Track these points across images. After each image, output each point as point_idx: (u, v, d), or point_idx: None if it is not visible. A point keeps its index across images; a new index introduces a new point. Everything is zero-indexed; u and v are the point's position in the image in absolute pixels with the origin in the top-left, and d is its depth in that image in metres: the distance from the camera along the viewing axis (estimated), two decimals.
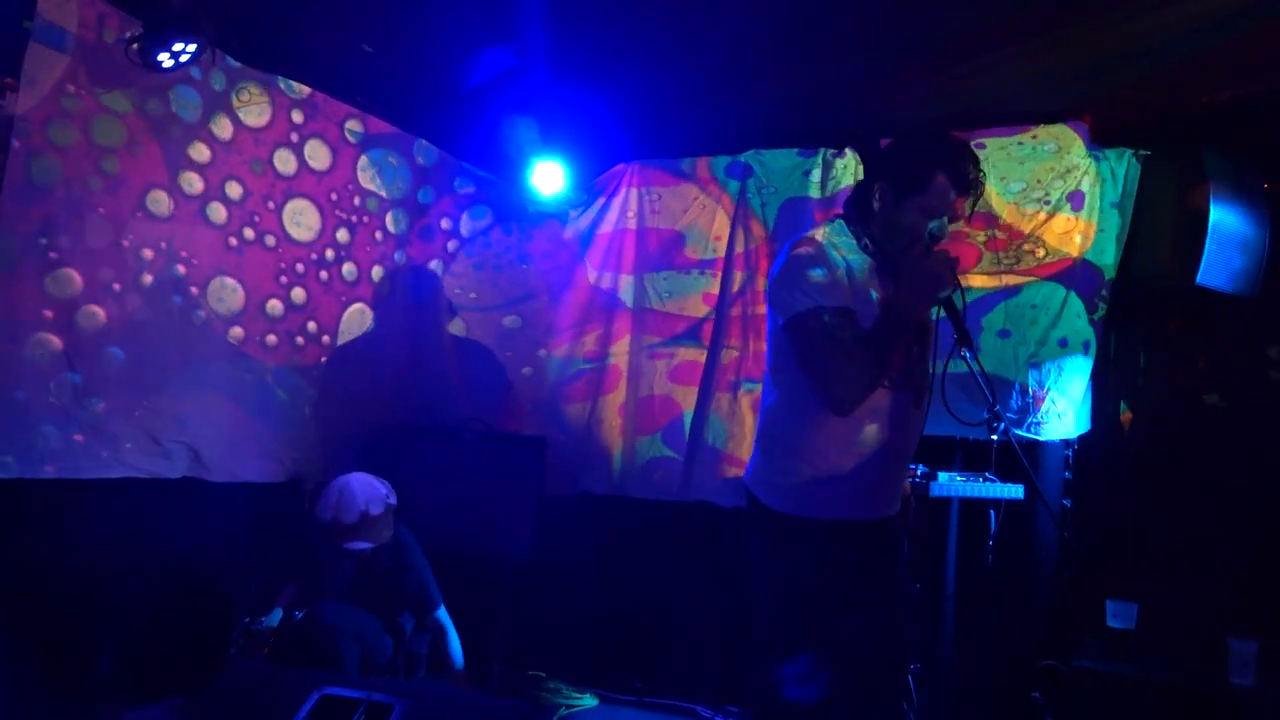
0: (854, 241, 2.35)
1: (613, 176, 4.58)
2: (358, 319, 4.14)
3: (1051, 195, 3.83)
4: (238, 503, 3.74)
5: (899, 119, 3.99)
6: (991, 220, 3.90)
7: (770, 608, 2.36)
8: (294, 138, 3.88)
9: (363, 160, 4.14)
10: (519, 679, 4.00)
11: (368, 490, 3.35)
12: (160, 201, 3.45)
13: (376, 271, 4.22)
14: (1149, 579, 3.66)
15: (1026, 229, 3.86)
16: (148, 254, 3.43)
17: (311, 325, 3.98)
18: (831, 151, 4.16)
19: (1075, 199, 3.80)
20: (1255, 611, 3.51)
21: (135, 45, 3.23)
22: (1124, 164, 3.75)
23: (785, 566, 2.34)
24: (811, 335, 2.20)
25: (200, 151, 3.57)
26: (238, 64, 3.64)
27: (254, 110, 3.71)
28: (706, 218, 4.42)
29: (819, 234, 2.35)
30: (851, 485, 2.31)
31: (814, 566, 2.29)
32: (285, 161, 3.85)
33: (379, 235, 4.23)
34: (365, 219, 4.17)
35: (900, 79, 3.68)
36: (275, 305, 3.84)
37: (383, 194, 4.24)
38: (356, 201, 4.14)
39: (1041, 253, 3.85)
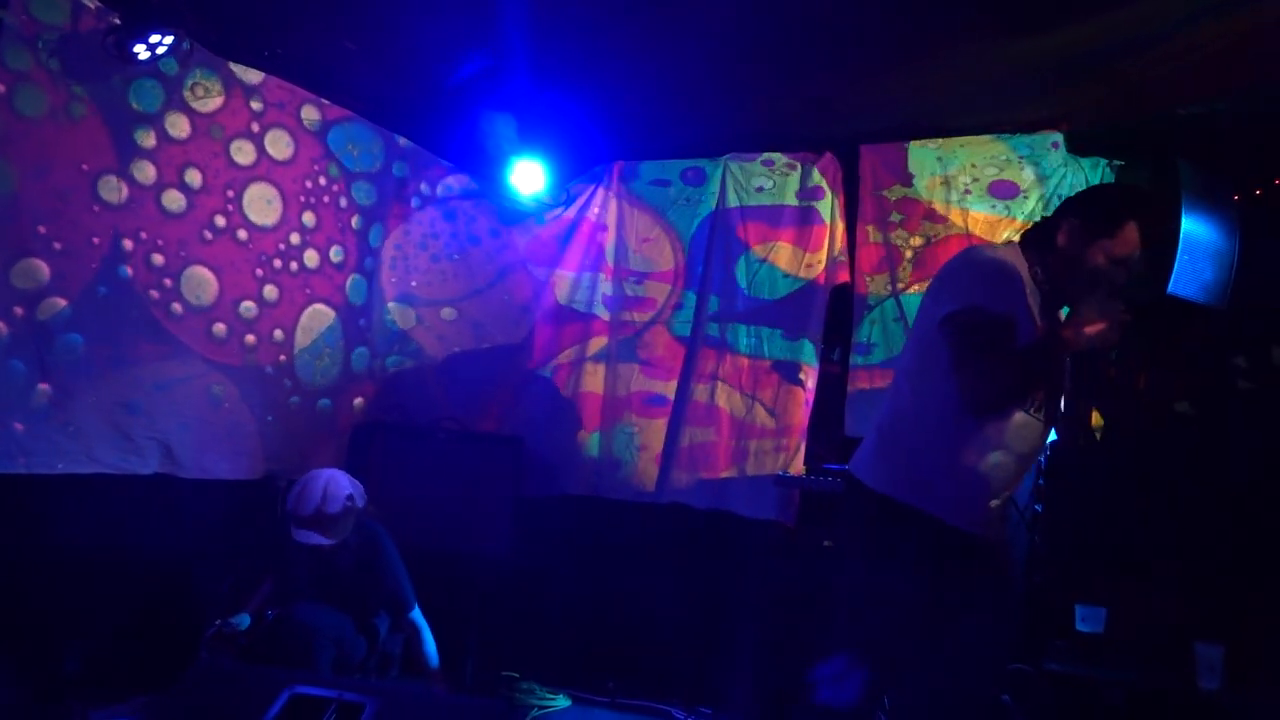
0: (1027, 268, 2.35)
1: (592, 178, 4.59)
2: (317, 318, 4.10)
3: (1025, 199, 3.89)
4: (209, 500, 3.72)
5: (875, 125, 4.03)
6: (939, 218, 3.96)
7: (855, 594, 2.39)
8: (254, 126, 3.83)
9: (332, 134, 4.10)
10: (493, 679, 3.99)
11: (332, 487, 3.33)
12: (112, 188, 3.40)
13: (335, 253, 4.15)
14: (1117, 584, 3.69)
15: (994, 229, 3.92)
16: (128, 244, 3.41)
17: (278, 332, 3.95)
18: (811, 157, 4.20)
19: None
20: (1222, 616, 3.54)
21: (112, 37, 3.20)
22: (1098, 174, 3.80)
23: (881, 550, 2.33)
24: (975, 330, 2.20)
25: (166, 134, 3.53)
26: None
27: (210, 100, 3.66)
28: (687, 217, 4.45)
29: (1004, 250, 2.39)
30: (964, 491, 2.31)
31: (910, 555, 2.28)
32: (244, 151, 3.79)
33: (344, 204, 4.18)
34: (330, 195, 4.11)
35: (875, 86, 3.71)
36: (249, 306, 3.81)
37: (351, 168, 4.21)
38: (322, 182, 4.09)
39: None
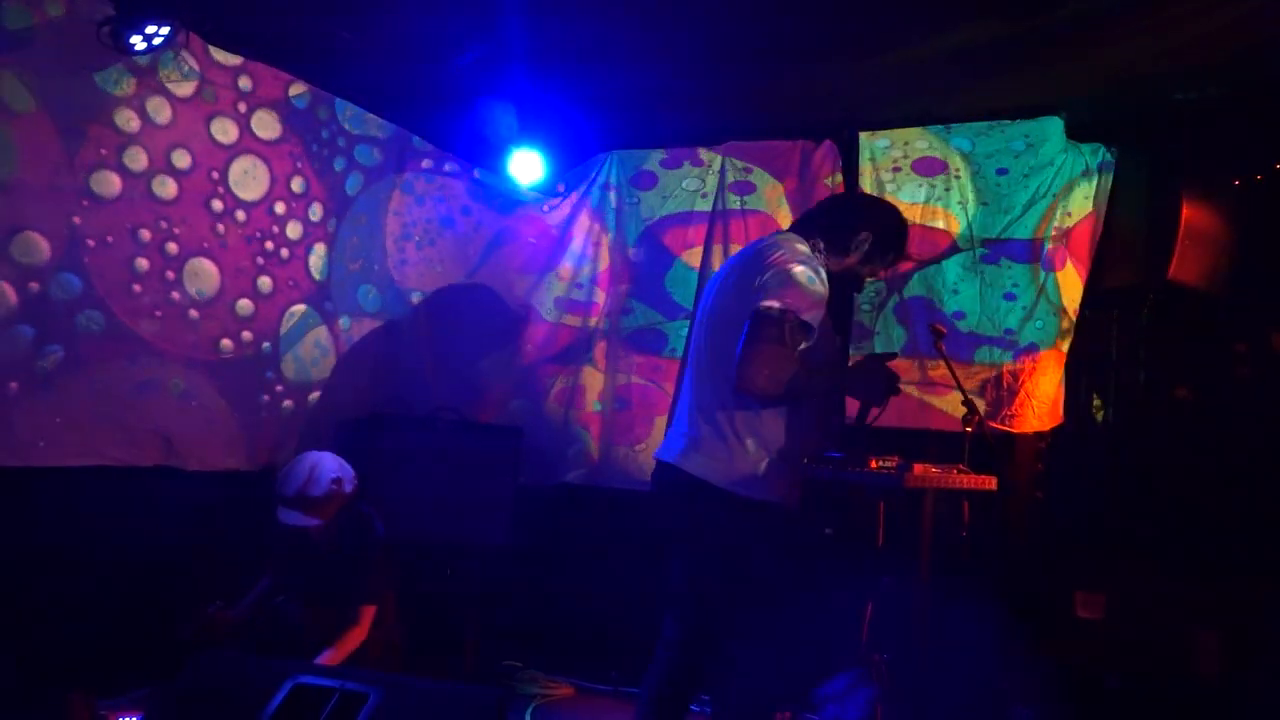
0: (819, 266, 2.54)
1: (591, 165, 4.58)
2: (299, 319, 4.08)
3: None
4: (209, 490, 3.72)
5: (873, 113, 4.04)
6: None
7: (729, 588, 2.49)
8: (241, 107, 3.79)
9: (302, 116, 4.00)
10: (495, 669, 4.01)
11: (318, 469, 3.27)
12: (109, 183, 3.39)
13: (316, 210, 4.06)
14: (1117, 570, 3.70)
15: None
16: (145, 234, 3.43)
17: (267, 323, 3.94)
18: (811, 145, 4.19)
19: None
20: (1220, 603, 3.55)
21: (107, 27, 3.19)
22: (1098, 159, 3.80)
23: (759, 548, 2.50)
24: (778, 327, 2.37)
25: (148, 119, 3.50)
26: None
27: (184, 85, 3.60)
28: (686, 205, 4.44)
29: (811, 254, 2.55)
30: (792, 473, 2.55)
31: (777, 546, 2.50)
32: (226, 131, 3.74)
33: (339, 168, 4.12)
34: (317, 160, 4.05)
35: (872, 71, 3.70)
36: (245, 304, 3.80)
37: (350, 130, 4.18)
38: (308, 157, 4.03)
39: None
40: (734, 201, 4.33)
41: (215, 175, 3.68)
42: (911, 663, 3.52)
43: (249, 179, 3.78)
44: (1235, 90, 3.54)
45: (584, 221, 4.58)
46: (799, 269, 2.45)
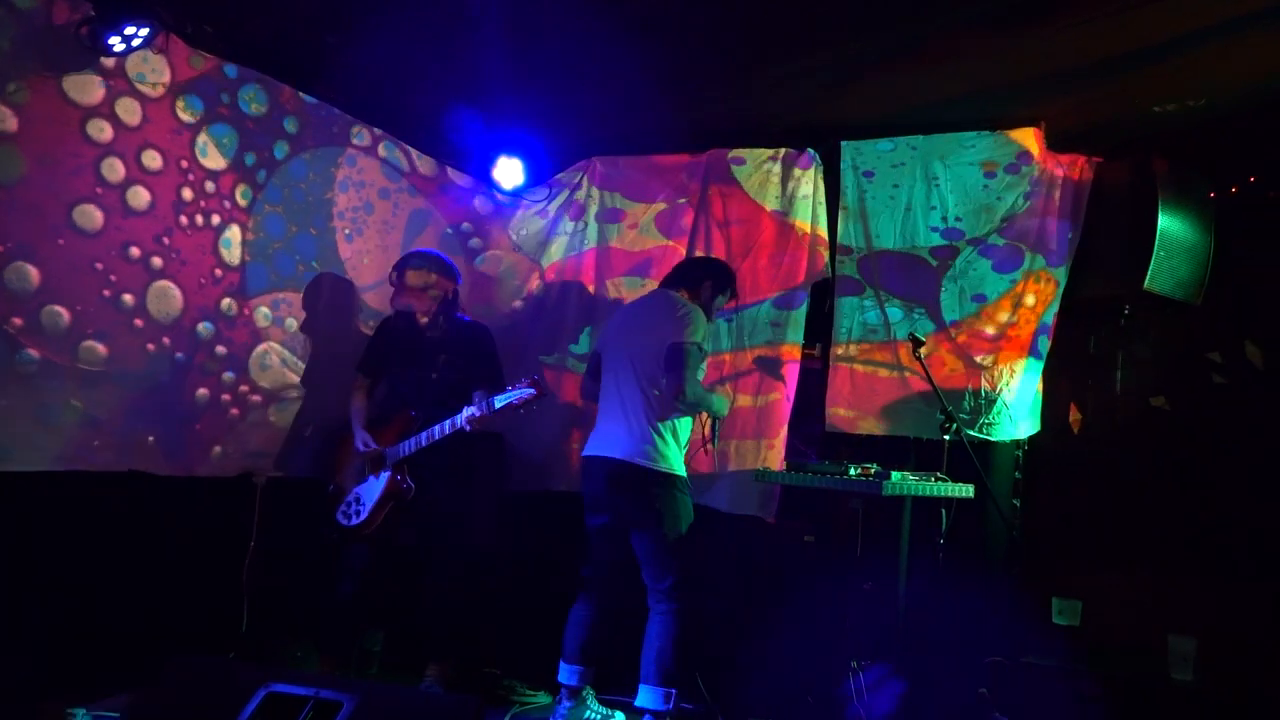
0: None
1: (574, 172, 4.56)
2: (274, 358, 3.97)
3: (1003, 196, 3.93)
4: (185, 497, 3.70)
5: (858, 121, 4.05)
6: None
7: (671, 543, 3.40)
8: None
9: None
10: (474, 676, 3.97)
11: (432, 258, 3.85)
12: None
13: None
14: (1093, 577, 3.75)
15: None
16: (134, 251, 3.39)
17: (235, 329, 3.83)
18: (794, 153, 4.20)
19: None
20: (1195, 609, 3.61)
21: (85, 28, 3.17)
22: (1076, 170, 3.82)
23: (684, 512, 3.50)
24: (692, 355, 3.43)
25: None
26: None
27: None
28: (669, 214, 4.43)
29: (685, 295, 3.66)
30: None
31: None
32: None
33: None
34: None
35: (855, 81, 3.74)
36: (204, 328, 3.69)
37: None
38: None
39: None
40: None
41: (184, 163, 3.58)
42: (891, 669, 3.55)
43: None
44: (1212, 102, 3.57)
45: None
46: (692, 312, 3.51)
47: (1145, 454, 3.86)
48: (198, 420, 3.73)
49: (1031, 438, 3.92)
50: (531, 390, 3.53)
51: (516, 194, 4.46)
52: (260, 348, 3.89)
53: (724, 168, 4.32)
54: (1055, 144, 3.85)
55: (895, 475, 3.44)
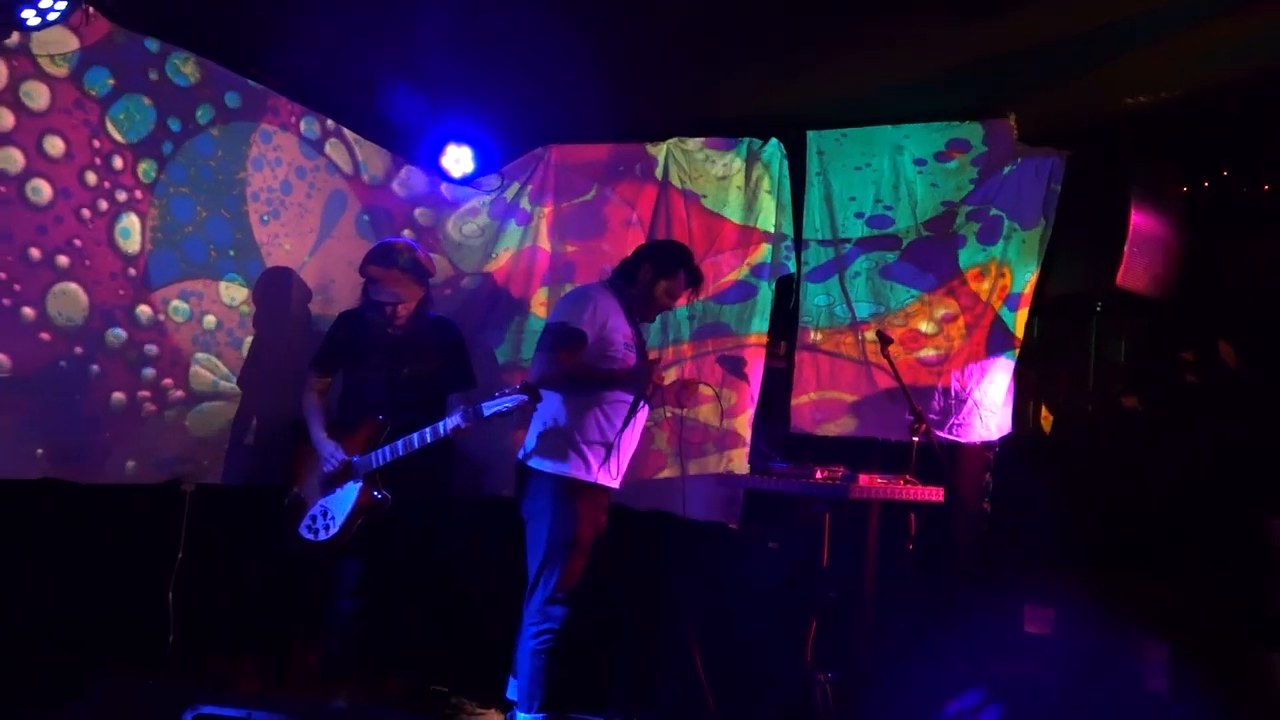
0: (620, 299, 3.52)
1: (528, 161, 4.50)
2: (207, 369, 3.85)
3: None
4: (109, 505, 3.58)
5: (822, 110, 4.06)
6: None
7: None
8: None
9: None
10: (420, 694, 3.90)
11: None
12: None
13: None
14: (1066, 583, 3.73)
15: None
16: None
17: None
18: (757, 143, 4.18)
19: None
20: (1170, 616, 3.59)
21: None
22: (1047, 166, 3.83)
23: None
24: (548, 334, 3.40)
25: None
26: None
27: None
28: (628, 202, 4.39)
29: (602, 285, 3.60)
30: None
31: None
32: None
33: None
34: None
35: (822, 69, 3.72)
36: (112, 333, 3.54)
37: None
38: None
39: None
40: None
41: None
42: (857, 681, 3.56)
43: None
44: (1187, 93, 3.59)
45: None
46: (572, 294, 3.61)
47: (1118, 456, 3.88)
48: (108, 428, 3.56)
49: (1002, 439, 3.92)
50: (523, 396, 3.34)
51: (466, 182, 4.40)
52: (173, 345, 3.71)
53: (684, 156, 4.30)
54: (1027, 138, 3.87)
55: (862, 478, 3.44)
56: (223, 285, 3.87)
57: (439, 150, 4.25)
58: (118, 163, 3.50)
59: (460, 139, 4.23)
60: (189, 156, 3.70)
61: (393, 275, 3.65)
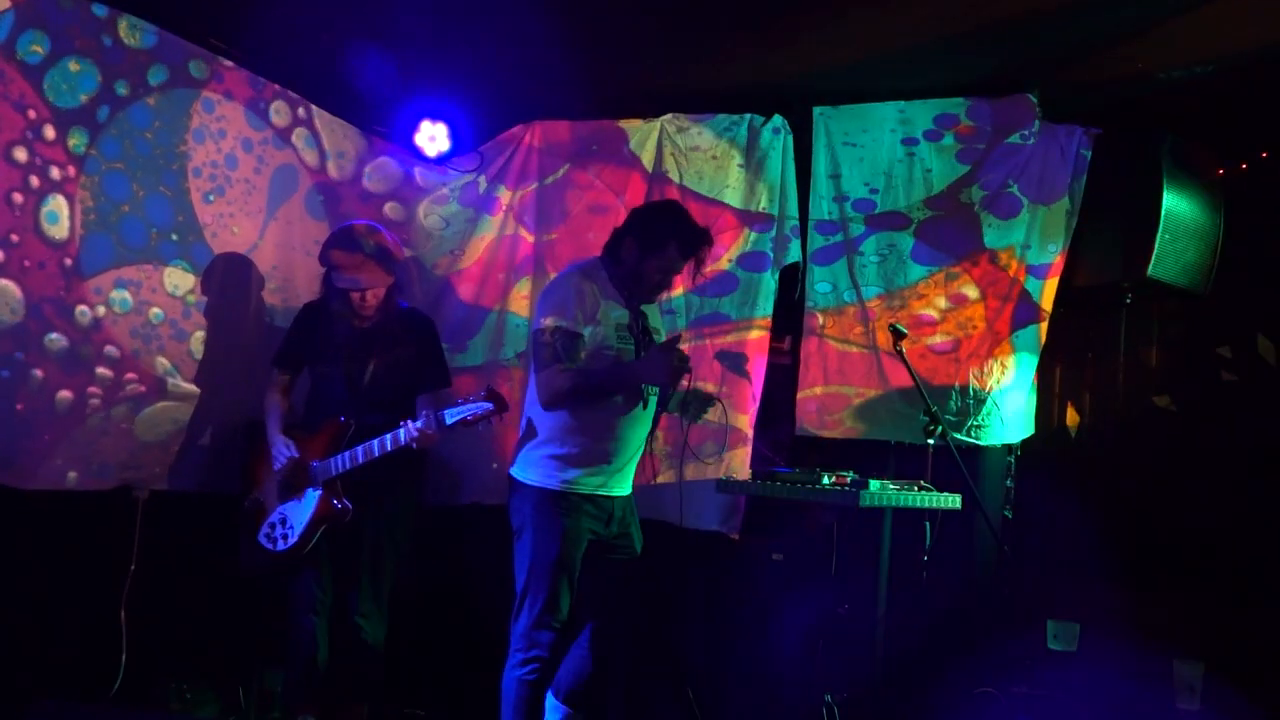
0: (609, 280, 3.14)
1: (508, 140, 4.34)
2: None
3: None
4: (57, 515, 3.41)
5: (830, 85, 3.95)
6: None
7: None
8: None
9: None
10: (396, 717, 3.81)
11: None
12: None
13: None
14: (1093, 597, 3.71)
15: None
16: None
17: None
18: (759, 120, 4.07)
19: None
20: (1203, 632, 3.57)
21: None
22: (1073, 142, 3.71)
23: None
24: (549, 348, 3.00)
25: None
26: None
27: None
28: (615, 188, 4.25)
29: (585, 268, 3.18)
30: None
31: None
32: None
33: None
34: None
35: (829, 39, 3.59)
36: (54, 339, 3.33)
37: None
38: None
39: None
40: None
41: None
42: (867, 702, 3.50)
43: None
44: (1224, 68, 3.49)
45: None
46: (554, 286, 3.17)
47: (1149, 459, 3.83)
48: (46, 430, 3.35)
49: (1025, 442, 3.86)
50: (488, 404, 3.17)
51: (442, 162, 4.23)
52: (112, 341, 3.48)
53: (679, 135, 4.18)
54: (1052, 114, 3.76)
55: (873, 484, 3.33)
56: (167, 272, 3.64)
57: (413, 128, 4.10)
58: (50, 134, 3.27)
59: (435, 116, 4.08)
60: (122, 129, 3.48)
61: (356, 260, 3.46)
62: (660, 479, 3.91)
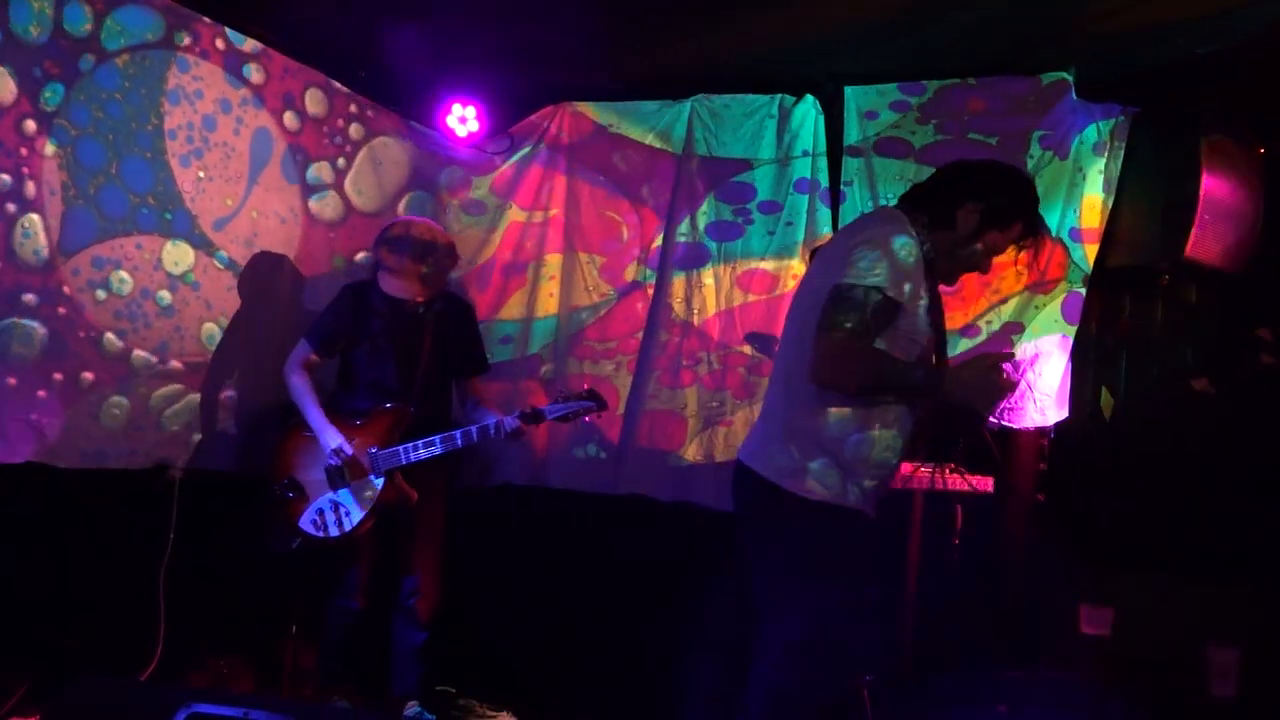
0: (919, 241, 2.59)
1: (539, 122, 4.50)
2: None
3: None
4: (93, 494, 3.63)
5: (863, 65, 4.02)
6: None
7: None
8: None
9: None
10: (424, 694, 3.88)
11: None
12: None
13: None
14: (1126, 581, 3.74)
15: None
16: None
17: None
18: (789, 100, 4.16)
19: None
20: (1239, 617, 3.62)
21: None
22: (1110, 121, 3.78)
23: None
24: (853, 307, 2.46)
25: None
26: None
27: None
28: (642, 174, 4.39)
29: (908, 226, 2.60)
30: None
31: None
32: None
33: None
34: None
35: (862, 17, 3.68)
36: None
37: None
38: None
39: None
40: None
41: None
42: (897, 686, 3.58)
43: None
44: (1265, 40, 3.48)
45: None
46: (898, 246, 2.52)
47: (1185, 444, 3.85)
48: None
49: (1058, 425, 3.90)
50: (589, 403, 3.29)
51: (472, 144, 4.41)
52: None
53: (709, 116, 4.28)
54: (1088, 92, 3.81)
55: (904, 466, 3.39)
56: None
57: (442, 110, 4.27)
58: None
59: (466, 96, 4.23)
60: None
61: (408, 270, 3.66)
62: (689, 459, 4.09)
